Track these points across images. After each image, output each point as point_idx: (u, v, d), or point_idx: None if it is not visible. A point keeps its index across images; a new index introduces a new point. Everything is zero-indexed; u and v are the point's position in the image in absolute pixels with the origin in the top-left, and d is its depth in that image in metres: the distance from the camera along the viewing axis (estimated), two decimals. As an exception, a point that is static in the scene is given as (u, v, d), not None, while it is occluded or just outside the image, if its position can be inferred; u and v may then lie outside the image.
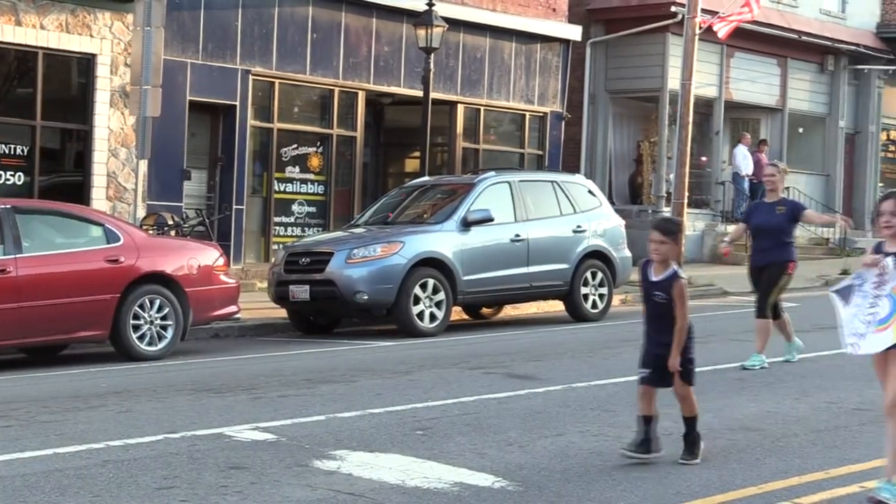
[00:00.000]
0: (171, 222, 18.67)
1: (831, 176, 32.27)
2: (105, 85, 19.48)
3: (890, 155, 35.25)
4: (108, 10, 19.47)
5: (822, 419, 9.39)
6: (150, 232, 17.11)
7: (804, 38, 30.32)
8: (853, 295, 6.80)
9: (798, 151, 31.72)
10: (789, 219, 12.40)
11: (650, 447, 7.79)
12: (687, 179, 22.96)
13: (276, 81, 21.95)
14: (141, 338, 13.91)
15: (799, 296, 21.72)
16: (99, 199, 19.28)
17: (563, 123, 26.45)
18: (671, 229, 7.84)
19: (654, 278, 7.82)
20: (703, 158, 28.14)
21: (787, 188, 30.68)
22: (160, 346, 14.03)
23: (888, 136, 34.93)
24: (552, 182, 18.44)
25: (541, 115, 26.08)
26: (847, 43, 31.58)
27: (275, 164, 22.14)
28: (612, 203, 22.10)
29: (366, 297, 15.86)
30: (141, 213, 18.56)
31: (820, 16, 31.54)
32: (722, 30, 24.02)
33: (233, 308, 15.16)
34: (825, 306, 22.10)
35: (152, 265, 14.07)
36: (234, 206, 21.20)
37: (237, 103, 21.21)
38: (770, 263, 12.43)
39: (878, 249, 6.86)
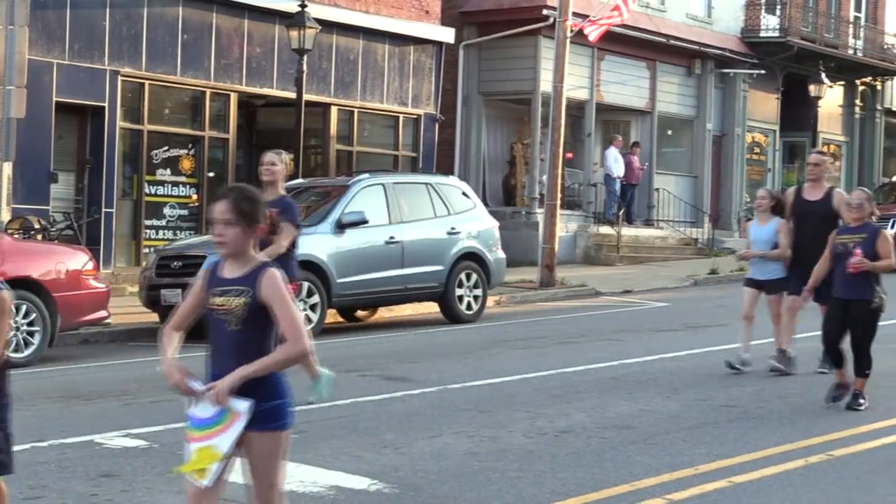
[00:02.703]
0: (37, 226, 18.25)
1: (699, 177, 32.92)
2: (-33, 85, 18.95)
3: (755, 157, 36.12)
4: (-30, 9, 18.94)
5: (692, 416, 9.57)
6: (16, 236, 16.70)
7: (672, 42, 30.90)
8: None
9: (667, 153, 32.33)
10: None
11: None
12: (560, 181, 23.22)
13: (146, 83, 21.59)
14: (6, 344, 13.54)
15: (670, 296, 22.14)
16: (-39, 202, 18.75)
17: (436, 125, 26.53)
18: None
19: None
20: (569, 155, 28.42)
21: (658, 189, 31.38)
22: (27, 352, 13.70)
23: (753, 138, 35.77)
24: (426, 184, 18.50)
25: (414, 117, 26.12)
26: (713, 47, 32.27)
27: (145, 167, 21.76)
28: (486, 205, 22.24)
29: (239, 301, 15.68)
30: (6, 216, 18.08)
31: (687, 20, 32.18)
32: (592, 33, 24.32)
33: (102, 313, 14.89)
34: (694, 305, 22.43)
35: (18, 270, 13.70)
36: (104, 210, 20.79)
37: (106, 104, 20.80)
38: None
39: (214, 271, 5.04)
